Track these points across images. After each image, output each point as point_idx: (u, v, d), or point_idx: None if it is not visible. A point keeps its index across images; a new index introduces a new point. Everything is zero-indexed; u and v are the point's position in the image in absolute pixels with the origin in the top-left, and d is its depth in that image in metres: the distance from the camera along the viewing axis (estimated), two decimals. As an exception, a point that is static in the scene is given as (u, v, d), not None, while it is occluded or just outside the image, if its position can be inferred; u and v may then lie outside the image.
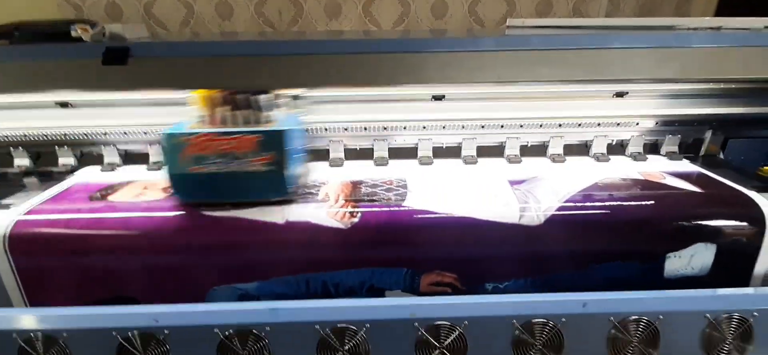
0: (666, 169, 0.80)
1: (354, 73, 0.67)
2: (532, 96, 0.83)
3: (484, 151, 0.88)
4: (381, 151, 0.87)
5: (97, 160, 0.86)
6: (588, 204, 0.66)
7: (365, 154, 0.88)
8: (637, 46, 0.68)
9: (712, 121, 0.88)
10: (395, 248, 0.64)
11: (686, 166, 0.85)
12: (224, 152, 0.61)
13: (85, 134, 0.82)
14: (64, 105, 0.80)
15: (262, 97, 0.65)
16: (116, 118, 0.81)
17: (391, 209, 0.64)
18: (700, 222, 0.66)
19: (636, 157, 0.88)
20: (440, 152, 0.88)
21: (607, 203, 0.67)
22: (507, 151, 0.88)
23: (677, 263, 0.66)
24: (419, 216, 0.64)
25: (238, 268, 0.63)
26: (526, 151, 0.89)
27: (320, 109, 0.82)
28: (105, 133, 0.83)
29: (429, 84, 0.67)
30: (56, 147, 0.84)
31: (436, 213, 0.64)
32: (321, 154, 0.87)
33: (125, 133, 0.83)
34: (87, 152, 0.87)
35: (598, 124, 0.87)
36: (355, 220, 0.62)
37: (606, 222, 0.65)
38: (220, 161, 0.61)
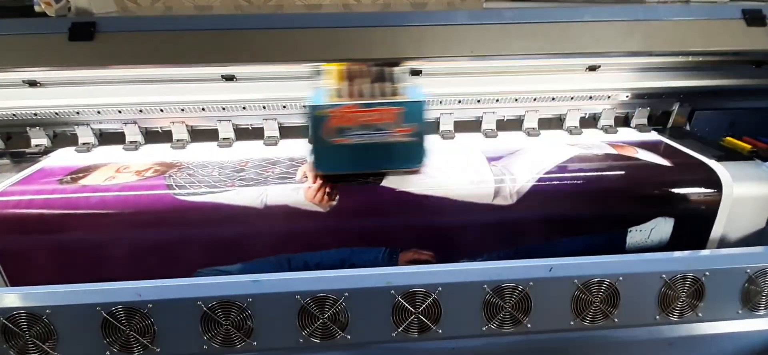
0: (634, 141, 0.84)
1: (329, 49, 0.67)
2: (507, 71, 0.85)
3: (461, 126, 0.90)
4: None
5: (72, 140, 0.84)
6: (558, 183, 0.69)
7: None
8: (607, 19, 0.70)
9: (679, 93, 0.91)
10: (374, 229, 0.66)
11: (654, 136, 0.89)
12: (367, 124, 0.62)
13: (56, 113, 0.81)
14: (32, 84, 0.78)
15: (396, 70, 0.66)
16: (88, 96, 0.79)
17: (369, 189, 0.66)
18: (665, 196, 0.69)
19: (607, 129, 0.91)
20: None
21: (577, 182, 0.69)
22: (484, 126, 0.90)
23: (638, 236, 0.70)
24: (397, 197, 0.66)
25: (219, 252, 0.64)
26: (502, 125, 0.91)
27: (297, 85, 0.82)
28: (77, 113, 0.81)
29: (404, 57, 0.67)
30: (27, 128, 0.82)
31: (413, 193, 0.65)
32: (303, 131, 0.87)
33: (99, 112, 0.81)
34: (60, 132, 0.85)
35: (572, 98, 0.89)
36: (334, 203, 0.64)
37: (575, 200, 0.68)
38: (363, 133, 0.62)
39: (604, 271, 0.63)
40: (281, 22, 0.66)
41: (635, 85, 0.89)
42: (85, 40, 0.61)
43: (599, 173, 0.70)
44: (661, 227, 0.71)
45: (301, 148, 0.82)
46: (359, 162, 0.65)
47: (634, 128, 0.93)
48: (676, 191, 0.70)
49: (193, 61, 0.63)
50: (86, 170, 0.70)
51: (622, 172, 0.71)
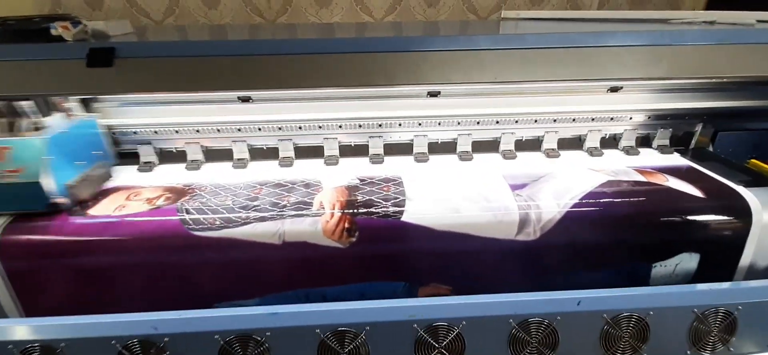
0: (662, 166, 0.81)
1: (346, 74, 0.66)
2: (527, 92, 0.83)
3: (478, 146, 0.88)
4: (376, 148, 0.86)
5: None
6: (586, 216, 0.66)
7: (360, 150, 0.87)
8: (632, 43, 0.68)
9: (703, 114, 0.89)
10: (394, 264, 0.64)
11: (677, 159, 0.86)
12: None
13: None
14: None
15: (26, 104, 0.63)
16: (104, 117, 0.78)
17: (389, 225, 0.63)
18: (696, 227, 0.67)
19: (628, 151, 0.89)
20: (435, 148, 0.88)
21: (606, 214, 0.66)
22: (502, 147, 0.88)
23: (662, 271, 0.68)
24: (418, 232, 0.63)
25: (236, 288, 0.63)
26: (521, 145, 0.89)
27: (313, 106, 0.81)
28: (92, 134, 0.80)
29: (425, 84, 0.66)
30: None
31: (435, 229, 0.63)
32: (318, 151, 0.86)
33: (114, 133, 0.80)
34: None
35: (592, 119, 0.87)
36: (353, 239, 0.62)
37: (602, 234, 0.66)
38: None
39: (634, 305, 0.60)
40: (299, 48, 0.65)
41: (658, 106, 0.87)
42: (105, 66, 0.60)
43: (630, 204, 0.68)
44: (688, 258, 0.68)
45: (316, 169, 0.81)
46: None
47: (656, 149, 0.91)
48: (706, 220, 0.68)
49: (211, 87, 0.62)
50: (95, 198, 0.68)
51: (655, 203, 0.68)
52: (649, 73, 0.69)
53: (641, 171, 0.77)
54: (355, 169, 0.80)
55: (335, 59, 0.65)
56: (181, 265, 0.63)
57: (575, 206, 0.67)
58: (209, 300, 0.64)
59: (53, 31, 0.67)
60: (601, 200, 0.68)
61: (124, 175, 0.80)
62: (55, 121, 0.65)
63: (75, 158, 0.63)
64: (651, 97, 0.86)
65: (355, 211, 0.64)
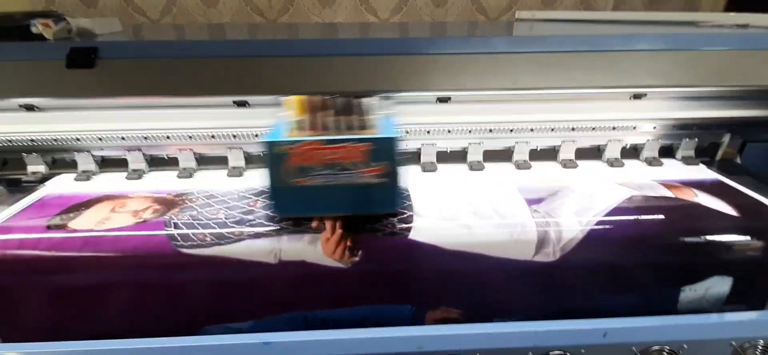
0: (690, 180, 0.75)
1: (350, 78, 0.60)
2: (544, 98, 0.77)
3: (490, 156, 0.83)
4: (381, 156, 0.80)
5: (72, 165, 0.78)
6: (609, 235, 0.60)
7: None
8: (661, 48, 0.62)
9: (731, 124, 0.83)
10: (400, 287, 0.58)
11: (703, 171, 0.80)
12: (331, 162, 0.54)
13: (55, 140, 0.75)
14: (29, 108, 0.72)
15: (365, 101, 0.57)
16: (89, 122, 0.73)
17: (396, 244, 0.58)
18: (730, 248, 0.61)
19: (651, 162, 0.83)
20: (445, 157, 0.82)
21: (631, 234, 0.61)
22: (515, 156, 0.82)
23: (691, 295, 0.62)
24: (426, 252, 0.58)
25: (227, 310, 0.57)
26: (535, 155, 0.83)
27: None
28: (77, 139, 0.75)
29: (435, 90, 0.60)
30: (24, 154, 0.77)
31: (445, 248, 0.58)
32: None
33: (100, 139, 0.75)
34: (59, 158, 0.79)
35: (613, 128, 0.81)
36: (356, 258, 0.56)
37: (628, 255, 0.60)
38: (327, 173, 0.54)
39: (667, 337, 0.55)
40: (299, 49, 0.59)
41: (684, 115, 0.81)
42: (85, 68, 0.55)
43: (658, 223, 0.62)
44: (720, 282, 0.62)
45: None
46: (322, 205, 0.57)
47: (680, 160, 0.85)
48: (742, 240, 0.62)
49: (203, 91, 0.57)
50: (78, 209, 0.62)
51: (686, 222, 0.62)
52: (680, 80, 0.63)
53: (668, 185, 0.71)
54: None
55: (337, 62, 0.60)
56: (168, 285, 0.57)
57: (599, 223, 0.61)
58: (199, 323, 0.58)
59: (33, 29, 0.62)
60: (627, 218, 0.62)
61: (110, 182, 0.75)
62: (382, 119, 0.59)
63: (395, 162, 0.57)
64: (676, 104, 0.80)
65: (358, 229, 0.58)
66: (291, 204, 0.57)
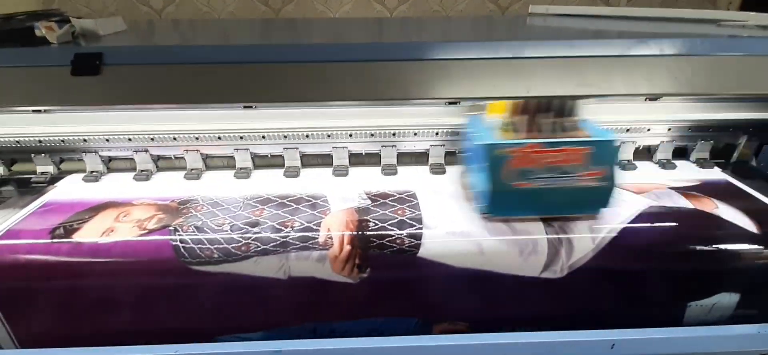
0: (698, 177, 0.74)
1: (358, 86, 0.59)
2: (556, 100, 0.75)
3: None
4: (389, 158, 0.80)
5: (80, 166, 0.79)
6: (622, 254, 0.59)
7: (372, 159, 0.81)
8: (688, 53, 0.60)
9: (748, 126, 0.81)
10: (407, 302, 0.59)
11: (717, 174, 0.79)
12: (552, 166, 0.54)
13: (62, 141, 0.75)
14: (37, 110, 0.72)
15: (571, 103, 0.58)
16: (97, 124, 0.73)
17: (404, 261, 0.58)
18: (749, 263, 0.60)
19: (664, 164, 0.82)
20: (453, 158, 0.81)
21: (647, 254, 0.59)
22: (525, 158, 0.81)
23: (697, 311, 0.61)
24: (434, 270, 0.58)
25: (237, 322, 0.58)
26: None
27: (322, 113, 0.74)
28: (85, 140, 0.75)
29: (445, 98, 0.59)
30: (33, 155, 0.77)
31: (452, 266, 0.57)
32: (326, 159, 0.80)
33: (108, 140, 0.75)
34: (67, 159, 0.79)
35: (627, 130, 0.80)
36: (365, 275, 0.56)
37: (641, 272, 0.59)
38: (548, 177, 0.54)
39: (677, 349, 0.55)
40: (311, 55, 0.58)
41: (700, 116, 0.79)
42: (90, 75, 0.54)
43: (679, 240, 0.60)
44: (727, 297, 0.61)
45: (321, 181, 0.75)
46: (537, 207, 0.58)
47: (694, 162, 0.83)
48: (762, 257, 0.60)
49: (211, 100, 0.56)
50: (81, 220, 0.62)
51: (708, 241, 0.60)
52: (699, 87, 0.61)
53: (688, 195, 0.69)
54: (365, 181, 0.74)
55: (346, 68, 0.58)
56: (177, 298, 0.58)
57: (613, 240, 0.60)
58: (210, 333, 0.59)
59: (37, 32, 0.61)
60: (644, 236, 0.60)
61: (118, 184, 0.75)
62: (587, 122, 0.60)
63: (613, 166, 0.58)
64: (692, 106, 0.78)
65: (367, 245, 0.58)
66: (508, 206, 0.58)
